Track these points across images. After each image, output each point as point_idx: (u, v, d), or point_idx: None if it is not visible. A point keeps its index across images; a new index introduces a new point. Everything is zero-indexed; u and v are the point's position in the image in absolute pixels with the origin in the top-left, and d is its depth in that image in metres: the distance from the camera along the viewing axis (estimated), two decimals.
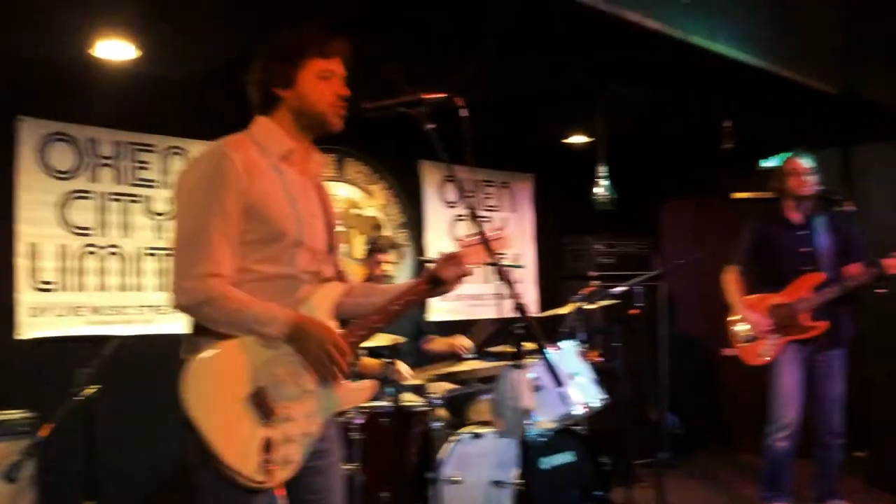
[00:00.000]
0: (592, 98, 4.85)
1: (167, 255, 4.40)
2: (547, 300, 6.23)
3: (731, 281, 4.73)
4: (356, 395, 2.23)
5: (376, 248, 4.54)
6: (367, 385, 2.23)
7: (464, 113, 2.23)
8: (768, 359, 4.53)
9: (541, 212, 6.47)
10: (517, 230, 6.30)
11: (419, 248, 5.66)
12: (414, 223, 5.67)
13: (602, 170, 4.93)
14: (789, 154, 4.66)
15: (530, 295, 6.31)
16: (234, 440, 1.96)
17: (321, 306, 2.15)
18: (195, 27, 3.88)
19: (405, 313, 2.27)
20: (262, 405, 2.01)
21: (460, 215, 5.91)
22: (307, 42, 2.14)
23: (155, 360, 4.36)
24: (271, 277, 2.09)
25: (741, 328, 4.65)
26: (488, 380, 4.18)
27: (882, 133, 6.41)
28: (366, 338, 2.21)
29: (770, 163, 6.87)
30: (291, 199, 2.13)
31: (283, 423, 2.03)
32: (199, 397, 1.96)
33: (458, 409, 4.52)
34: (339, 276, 2.29)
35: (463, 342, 4.48)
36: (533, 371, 3.70)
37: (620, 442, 4.54)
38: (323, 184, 2.33)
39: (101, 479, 3.78)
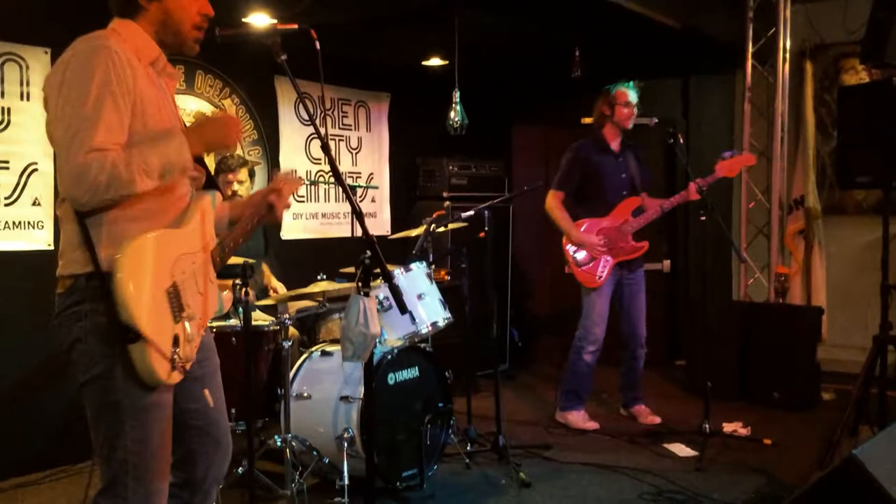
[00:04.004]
0: (449, 22, 4.88)
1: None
2: (400, 220, 6.36)
3: (559, 206, 4.89)
4: (223, 302, 2.34)
5: (225, 167, 4.40)
6: (227, 296, 2.33)
7: (317, 45, 2.27)
8: (604, 279, 4.87)
9: (396, 132, 6.50)
10: (373, 149, 6.33)
11: (274, 167, 5.60)
12: (268, 140, 5.57)
13: (455, 95, 5.02)
14: (621, 85, 4.88)
15: (384, 214, 6.40)
16: (160, 332, 1.99)
17: (208, 217, 2.24)
18: None
19: (247, 240, 2.38)
20: (176, 300, 2.04)
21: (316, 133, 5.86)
22: None
23: None
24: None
25: (577, 253, 4.90)
26: (338, 300, 4.29)
27: (717, 65, 6.84)
28: (218, 264, 2.27)
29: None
30: (166, 101, 2.14)
31: (187, 322, 2.08)
32: (135, 286, 1.94)
33: (309, 329, 4.63)
34: (208, 179, 2.33)
35: (277, 287, 4.58)
36: (381, 292, 3.85)
37: (464, 356, 4.80)
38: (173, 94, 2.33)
39: None
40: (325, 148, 2.31)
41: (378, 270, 2.34)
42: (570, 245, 4.90)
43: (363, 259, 2.35)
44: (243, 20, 4.51)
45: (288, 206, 2.43)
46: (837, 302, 6.05)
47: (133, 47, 2.07)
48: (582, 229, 4.87)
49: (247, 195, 4.54)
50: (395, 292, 2.30)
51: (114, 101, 1.95)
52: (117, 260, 1.93)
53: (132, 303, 1.92)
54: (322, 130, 2.37)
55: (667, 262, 6.88)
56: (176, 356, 2.02)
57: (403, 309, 2.29)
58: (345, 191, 2.34)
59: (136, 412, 2.02)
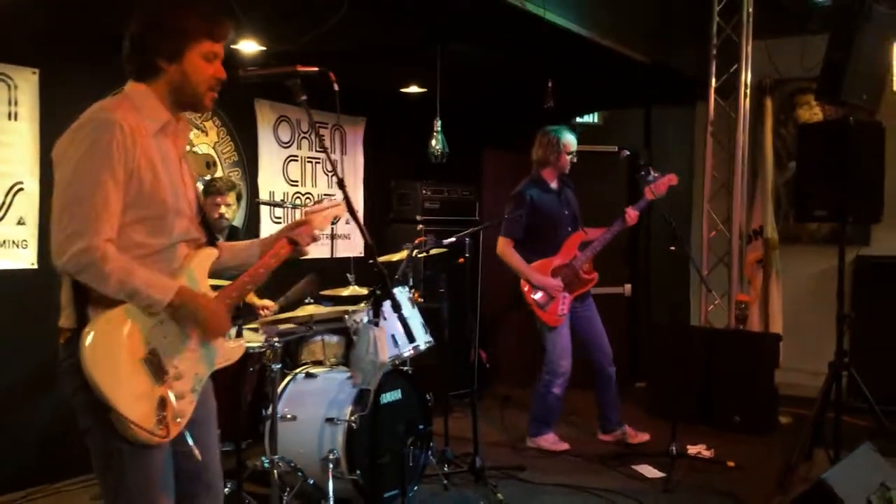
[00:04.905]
0: (431, 53, 5.03)
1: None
2: (374, 243, 6.42)
3: (512, 252, 5.02)
4: (232, 351, 2.40)
5: (214, 190, 4.40)
6: (239, 343, 2.40)
7: (336, 87, 2.38)
8: (565, 315, 5.05)
9: (371, 156, 6.60)
10: (349, 172, 6.42)
11: (252, 188, 5.65)
12: (248, 162, 5.63)
13: (437, 124, 5.16)
14: (567, 132, 5.12)
15: (358, 237, 6.47)
16: (137, 400, 2.07)
17: (199, 273, 2.27)
18: None
19: (270, 274, 2.43)
20: (156, 366, 2.12)
21: (294, 155, 5.95)
22: (202, 22, 2.18)
23: None
24: (154, 247, 2.17)
25: (535, 294, 5.03)
26: (322, 322, 4.35)
27: (678, 96, 7.12)
28: (238, 299, 2.35)
29: (585, 119, 7.45)
30: (167, 168, 2.21)
31: (174, 381, 2.16)
32: (102, 363, 2.03)
33: (294, 350, 4.69)
34: (209, 240, 2.39)
35: (267, 304, 4.43)
36: (365, 315, 3.92)
37: (442, 378, 4.90)
38: (185, 152, 2.40)
39: None
40: (341, 184, 2.42)
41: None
42: (528, 287, 5.04)
43: (373, 291, 2.46)
44: (231, 47, 4.59)
45: (316, 240, 2.50)
46: (791, 328, 6.29)
47: (143, 115, 2.16)
48: (540, 271, 5.03)
49: (233, 218, 4.60)
50: (404, 322, 2.41)
51: (115, 191, 2.05)
52: (81, 346, 2.02)
53: (101, 383, 2.02)
54: (333, 158, 2.45)
55: (628, 286, 7.11)
56: (164, 417, 2.11)
57: (412, 338, 2.40)
58: (357, 223, 2.46)
59: (135, 456, 2.10)
